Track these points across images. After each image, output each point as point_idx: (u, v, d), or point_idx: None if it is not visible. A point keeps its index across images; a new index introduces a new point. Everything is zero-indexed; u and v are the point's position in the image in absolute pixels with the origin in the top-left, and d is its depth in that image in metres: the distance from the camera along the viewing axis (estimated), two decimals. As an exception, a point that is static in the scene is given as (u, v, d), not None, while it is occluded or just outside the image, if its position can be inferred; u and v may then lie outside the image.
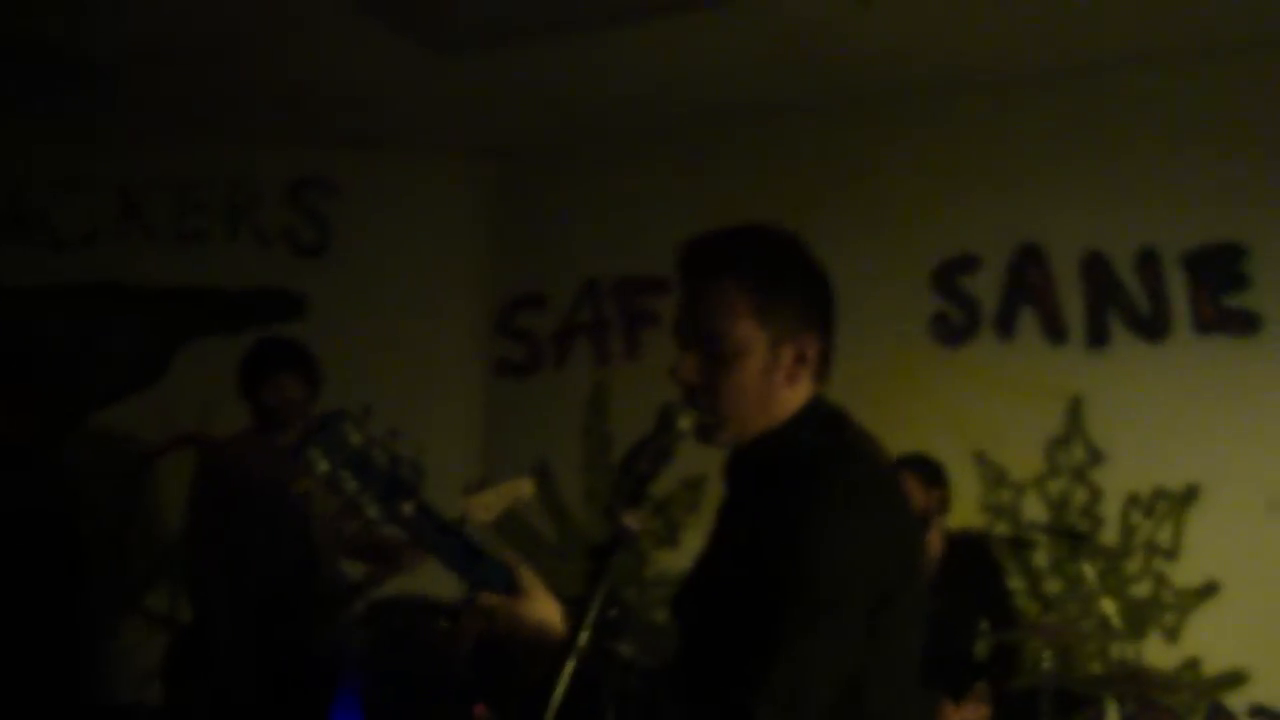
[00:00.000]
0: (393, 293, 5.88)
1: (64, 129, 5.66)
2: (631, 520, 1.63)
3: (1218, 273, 4.52)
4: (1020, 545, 4.69)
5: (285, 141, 5.86)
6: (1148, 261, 4.63)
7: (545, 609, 1.70)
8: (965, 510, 4.76)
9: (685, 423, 1.80)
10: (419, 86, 5.20)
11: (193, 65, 4.98)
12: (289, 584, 4.00)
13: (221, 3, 4.39)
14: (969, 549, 4.36)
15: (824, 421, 1.80)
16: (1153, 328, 4.62)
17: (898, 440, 4.77)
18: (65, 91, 5.22)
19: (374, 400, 5.72)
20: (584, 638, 1.53)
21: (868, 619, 1.62)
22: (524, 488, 3.60)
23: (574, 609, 1.58)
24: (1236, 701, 4.36)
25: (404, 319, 5.87)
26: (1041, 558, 4.71)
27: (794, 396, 1.79)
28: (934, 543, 4.05)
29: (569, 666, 1.51)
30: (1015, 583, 4.69)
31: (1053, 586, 4.69)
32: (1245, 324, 4.47)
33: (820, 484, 1.68)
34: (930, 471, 4.14)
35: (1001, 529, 4.77)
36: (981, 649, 4.41)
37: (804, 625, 1.59)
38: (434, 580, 5.33)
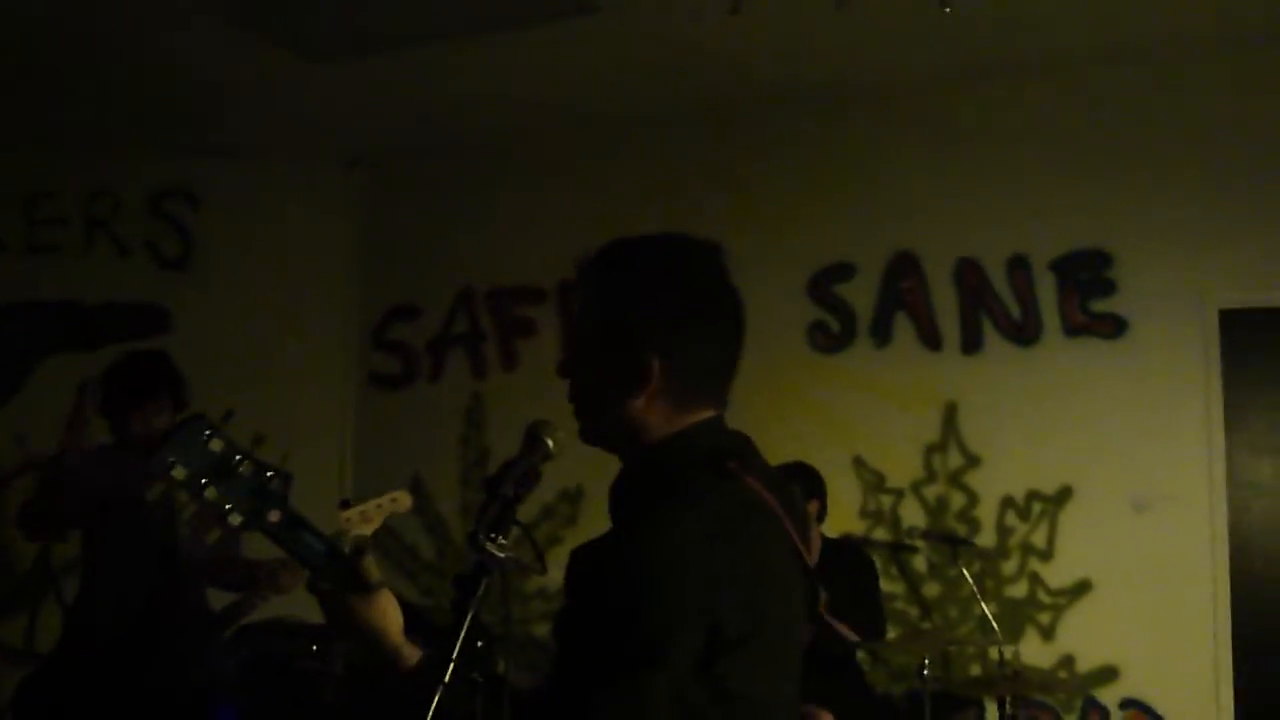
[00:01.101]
0: (260, 305, 5.71)
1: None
2: (495, 549, 1.56)
3: (1085, 278, 4.62)
4: (899, 550, 4.74)
5: (146, 150, 5.65)
6: (1018, 268, 4.71)
7: (384, 614, 1.68)
8: (845, 516, 4.79)
9: (552, 443, 1.73)
10: (286, 94, 5.05)
11: (47, 70, 4.76)
12: (155, 608, 3.82)
13: (80, 5, 4.20)
14: (846, 554, 4.38)
15: (696, 449, 1.66)
16: (1024, 333, 4.70)
17: (777, 447, 4.78)
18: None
19: (242, 415, 5.54)
20: (449, 670, 1.45)
21: (699, 668, 1.49)
22: (402, 500, 3.54)
23: (440, 640, 1.50)
24: (1109, 696, 4.46)
25: (272, 332, 5.70)
26: (920, 562, 4.76)
27: (649, 414, 1.67)
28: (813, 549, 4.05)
29: (436, 699, 1.44)
30: (895, 587, 4.73)
31: (932, 590, 4.73)
32: (1112, 328, 4.57)
33: (636, 534, 1.56)
34: (807, 482, 4.14)
35: (881, 534, 4.81)
36: (863, 658, 4.44)
37: (614, 680, 1.47)
38: (306, 604, 5.19)
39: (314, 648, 4.42)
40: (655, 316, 1.65)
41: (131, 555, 3.81)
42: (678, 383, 1.64)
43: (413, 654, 1.68)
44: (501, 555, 1.56)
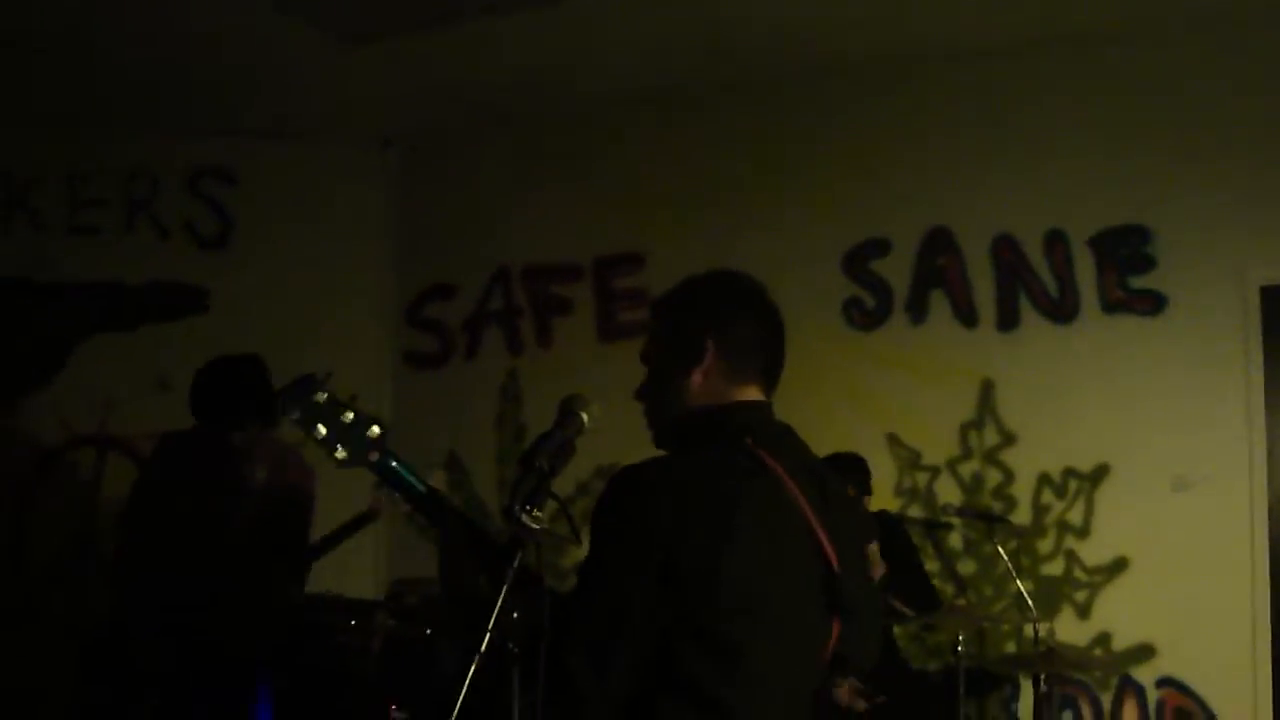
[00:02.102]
0: (298, 285, 5.74)
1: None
2: (532, 521, 1.59)
3: (1124, 254, 4.57)
4: (935, 527, 4.72)
5: (184, 131, 5.69)
6: (1056, 244, 4.68)
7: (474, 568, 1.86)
8: (880, 493, 4.78)
9: (586, 417, 1.78)
10: (322, 75, 5.08)
11: (87, 53, 4.81)
12: (219, 583, 3.89)
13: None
14: (885, 530, 4.38)
15: (716, 422, 1.96)
16: (1061, 310, 4.67)
17: (814, 426, 4.73)
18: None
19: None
20: (485, 640, 1.48)
21: (660, 593, 1.73)
22: (433, 478, 3.58)
23: (478, 612, 1.53)
24: (1145, 674, 4.44)
25: (310, 311, 5.73)
26: (956, 539, 4.75)
27: (701, 394, 1.97)
28: None
29: (472, 668, 1.47)
30: (931, 565, 4.73)
31: (967, 568, 4.72)
32: (1151, 305, 4.53)
33: (632, 470, 1.84)
34: (854, 476, 4.16)
35: (916, 511, 4.79)
36: (899, 634, 4.44)
37: (592, 582, 1.77)
38: (343, 579, 5.25)
39: (352, 622, 4.46)
40: (706, 303, 2.01)
41: (200, 534, 3.90)
42: (727, 358, 1.95)
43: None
44: (537, 528, 1.59)
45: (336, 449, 1.91)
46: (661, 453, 1.99)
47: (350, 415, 1.92)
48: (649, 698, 1.75)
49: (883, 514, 4.65)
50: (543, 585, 1.70)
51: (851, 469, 4.18)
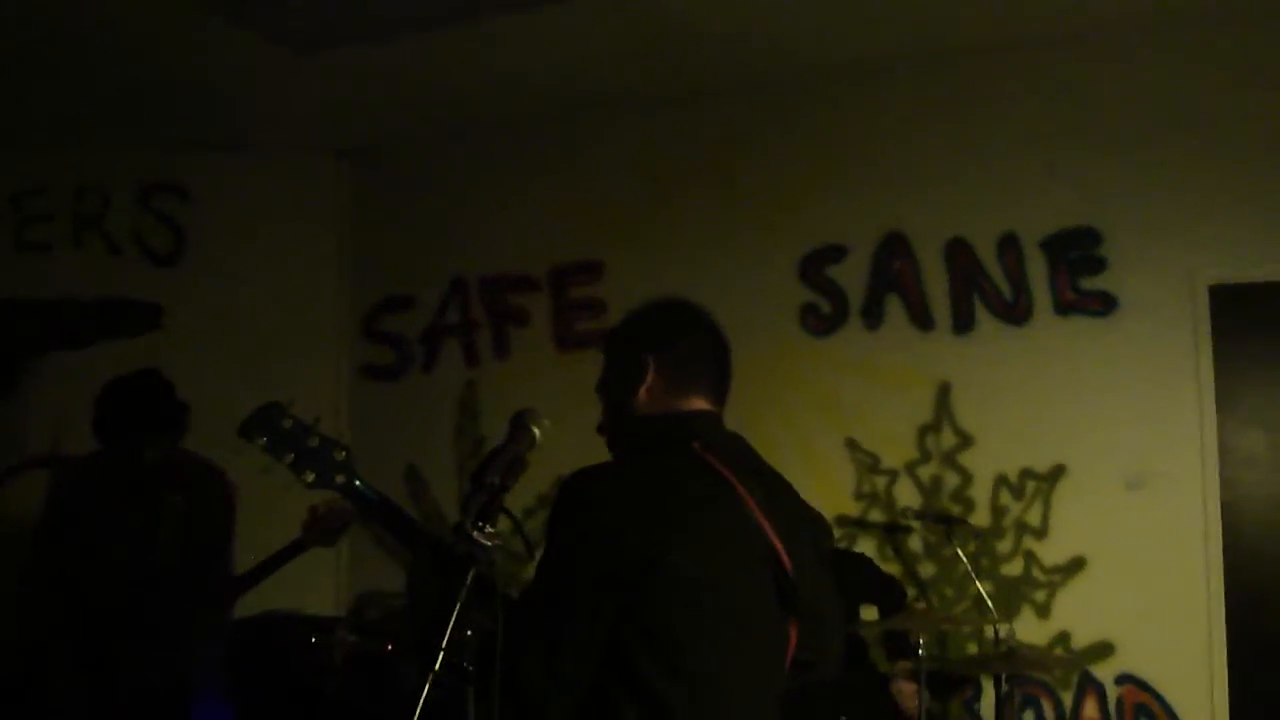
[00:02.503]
0: (252, 299, 5.70)
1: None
2: (484, 537, 1.59)
3: (1075, 256, 4.62)
4: (894, 531, 4.75)
5: (133, 145, 5.63)
6: (1009, 247, 4.71)
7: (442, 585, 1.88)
8: (840, 498, 4.80)
9: (538, 430, 1.81)
10: (272, 85, 5.04)
11: (31, 67, 4.75)
12: (137, 602, 3.83)
13: (61, 2, 4.19)
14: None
15: (658, 429, 2.07)
16: (1015, 312, 4.70)
17: (773, 432, 4.81)
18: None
19: (236, 409, 5.54)
20: (439, 660, 1.47)
21: (605, 591, 1.81)
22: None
23: (430, 629, 1.52)
24: (1104, 672, 4.48)
25: (265, 326, 5.70)
26: (915, 542, 4.77)
27: (648, 406, 2.09)
28: None
29: (426, 687, 1.47)
30: (891, 568, 4.75)
31: (927, 570, 4.75)
32: (1102, 305, 4.57)
33: (579, 474, 1.94)
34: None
35: (876, 516, 4.82)
36: (869, 634, 4.46)
37: (539, 585, 1.84)
38: (303, 595, 5.20)
39: (312, 640, 4.43)
40: (645, 326, 2.16)
41: (108, 558, 3.84)
42: (668, 374, 2.07)
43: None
44: (489, 544, 1.59)
45: (305, 474, 1.99)
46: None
47: (316, 440, 2.01)
48: (600, 696, 1.80)
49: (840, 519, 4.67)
50: (499, 599, 1.71)
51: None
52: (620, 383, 2.10)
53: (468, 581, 1.56)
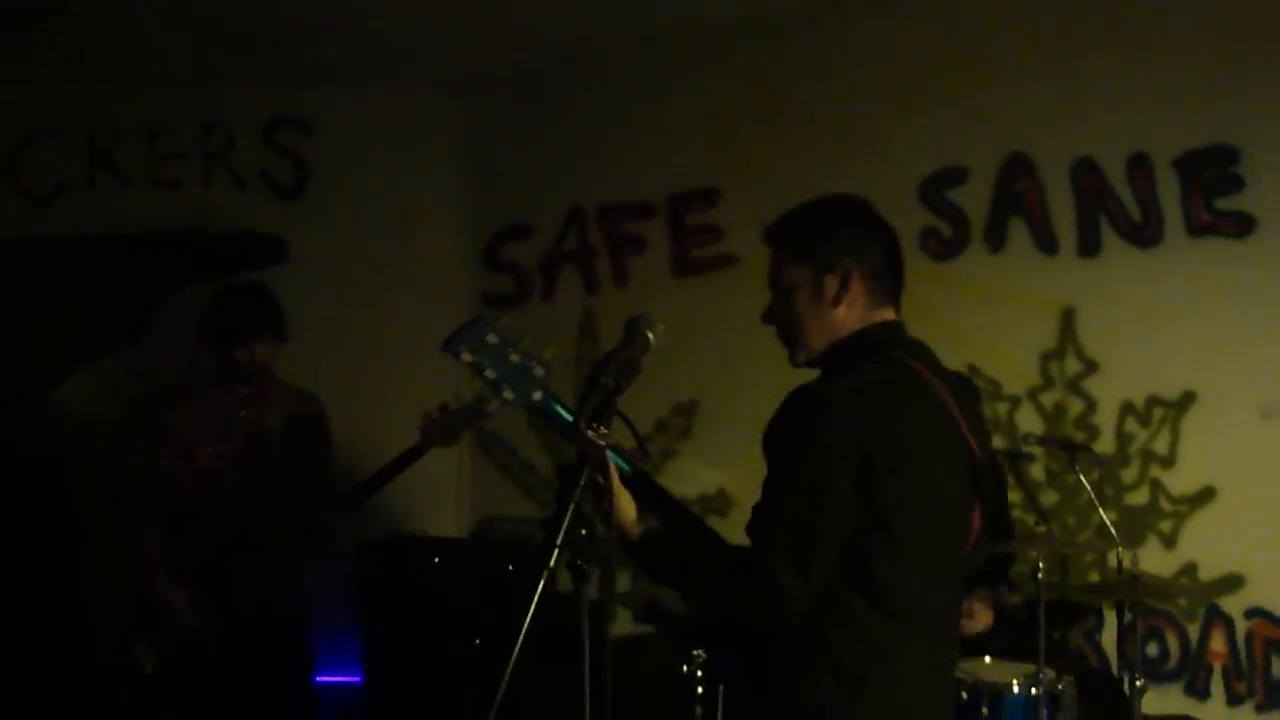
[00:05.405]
0: (375, 231, 5.81)
1: (30, 78, 5.55)
2: (597, 436, 1.62)
3: (1211, 176, 4.44)
4: (1016, 458, 4.67)
5: (257, 82, 5.75)
6: (1139, 167, 4.55)
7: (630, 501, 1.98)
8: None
9: (652, 335, 1.83)
10: (391, 19, 5.09)
11: (161, 8, 4.87)
12: (244, 521, 4.00)
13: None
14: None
15: (870, 340, 2.13)
16: (1145, 234, 4.55)
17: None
18: (29, 39, 5.11)
19: (360, 340, 5.69)
20: (554, 556, 1.51)
21: (856, 487, 1.92)
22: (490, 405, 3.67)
23: (546, 528, 1.56)
24: (1233, 605, 4.38)
25: (387, 257, 5.81)
26: (1038, 470, 4.69)
27: (849, 318, 2.14)
28: None
29: (540, 584, 1.51)
30: (1012, 495, 4.68)
31: (1049, 498, 4.67)
32: (1239, 227, 4.40)
33: (810, 386, 2.04)
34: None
35: (997, 442, 4.72)
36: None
37: (790, 488, 1.93)
38: (427, 518, 5.34)
39: (436, 560, 4.55)
40: (841, 234, 2.18)
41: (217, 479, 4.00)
42: (868, 284, 2.15)
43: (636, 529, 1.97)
44: (603, 444, 1.61)
45: (504, 390, 1.99)
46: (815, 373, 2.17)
47: (518, 355, 2.01)
48: (828, 591, 1.92)
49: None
50: (610, 499, 1.74)
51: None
52: (817, 291, 2.14)
53: (581, 481, 1.59)
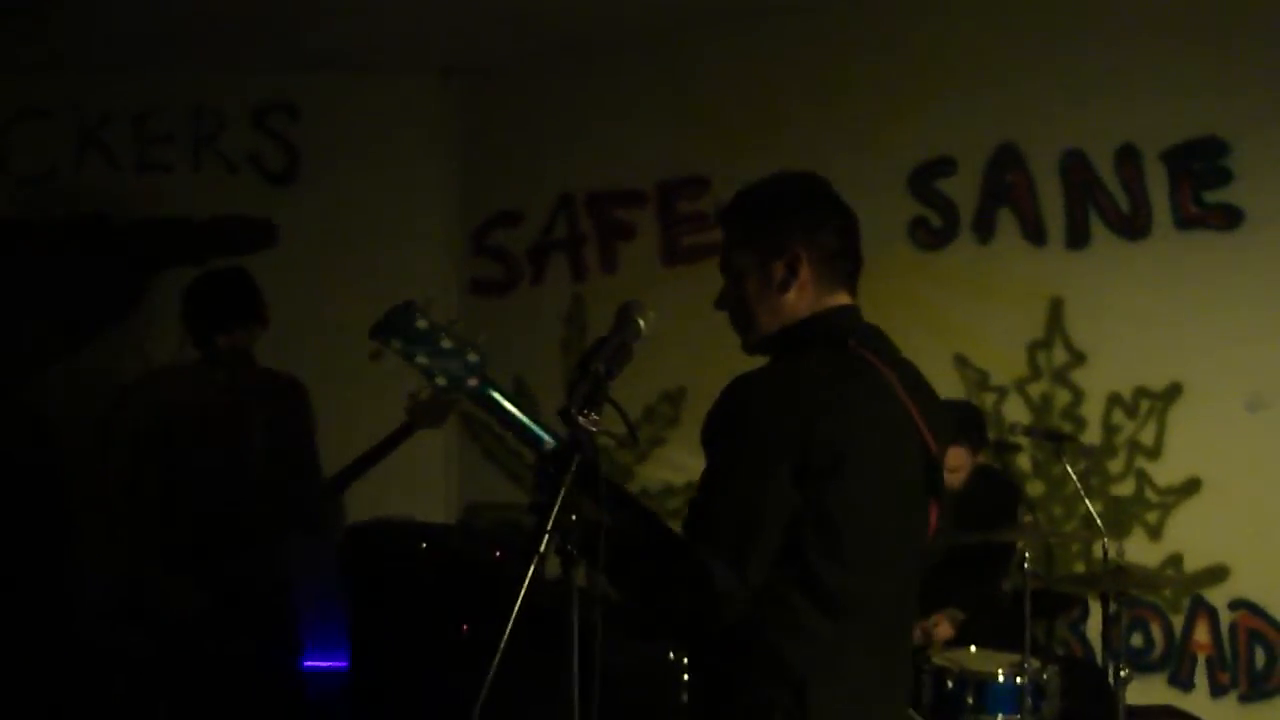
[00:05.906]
0: (364, 216, 5.79)
1: (17, 59, 5.52)
2: (588, 423, 1.61)
3: (1199, 168, 4.46)
4: (1003, 448, 4.69)
5: (247, 66, 5.72)
6: (1128, 159, 4.57)
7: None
8: (947, 415, 4.75)
9: (643, 322, 1.82)
10: (383, 5, 5.06)
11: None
12: (233, 506, 3.98)
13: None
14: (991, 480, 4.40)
15: (820, 327, 2.03)
16: (1133, 226, 4.57)
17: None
18: (18, 21, 5.08)
19: (348, 324, 5.66)
20: (544, 542, 1.51)
21: (797, 483, 1.84)
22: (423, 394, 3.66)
23: (535, 514, 1.56)
24: (1217, 596, 4.40)
25: (376, 242, 5.78)
26: (1024, 460, 4.71)
27: (799, 304, 2.03)
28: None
29: (530, 570, 1.50)
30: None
31: (1036, 488, 4.69)
32: (1227, 219, 4.42)
33: (751, 375, 1.95)
34: (972, 438, 4.20)
35: (985, 434, 4.75)
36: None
37: (728, 483, 1.87)
38: (414, 503, 5.34)
39: (423, 545, 4.56)
40: (790, 217, 2.05)
41: (205, 465, 3.98)
42: (819, 269, 2.03)
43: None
44: (594, 430, 1.61)
45: (437, 377, 1.94)
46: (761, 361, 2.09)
47: (449, 342, 1.94)
48: (768, 588, 1.85)
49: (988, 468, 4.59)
50: (601, 484, 1.73)
51: (968, 422, 4.18)
52: (765, 275, 2.04)
53: (572, 467, 1.58)
